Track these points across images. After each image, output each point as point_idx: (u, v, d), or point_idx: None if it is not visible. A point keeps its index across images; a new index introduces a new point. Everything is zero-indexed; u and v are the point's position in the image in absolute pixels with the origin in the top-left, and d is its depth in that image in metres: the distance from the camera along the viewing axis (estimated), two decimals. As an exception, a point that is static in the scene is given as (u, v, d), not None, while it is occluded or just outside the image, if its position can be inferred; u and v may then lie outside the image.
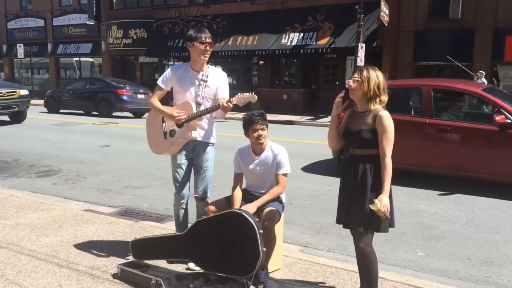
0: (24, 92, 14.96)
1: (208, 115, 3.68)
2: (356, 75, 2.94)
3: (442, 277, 3.85)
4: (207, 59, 3.67)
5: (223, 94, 3.67)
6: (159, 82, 3.80)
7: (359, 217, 2.87)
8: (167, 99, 3.87)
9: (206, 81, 3.66)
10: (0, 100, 13.93)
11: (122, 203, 5.94)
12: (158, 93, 3.79)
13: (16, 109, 14.47)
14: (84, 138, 11.72)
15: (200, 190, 3.78)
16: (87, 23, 25.45)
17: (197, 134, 3.68)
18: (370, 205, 2.74)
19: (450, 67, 17.52)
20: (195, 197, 3.83)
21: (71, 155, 9.33)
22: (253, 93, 3.40)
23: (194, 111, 3.58)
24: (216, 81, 3.70)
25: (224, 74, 3.79)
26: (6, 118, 14.96)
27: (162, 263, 3.71)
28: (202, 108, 3.61)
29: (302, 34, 18.98)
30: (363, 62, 15.06)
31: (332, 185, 6.58)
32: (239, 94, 3.41)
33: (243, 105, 3.49)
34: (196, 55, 3.63)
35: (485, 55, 16.32)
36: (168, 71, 3.81)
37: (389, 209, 2.76)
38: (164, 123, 3.80)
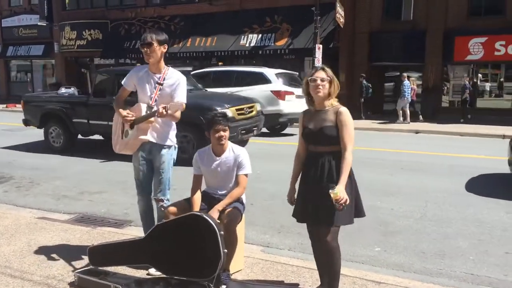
0: (258, 106, 10.09)
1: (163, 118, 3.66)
2: (321, 74, 2.97)
3: (399, 271, 3.97)
4: (151, 60, 3.62)
5: (179, 97, 3.63)
6: (122, 81, 3.83)
7: (328, 212, 2.90)
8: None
9: (161, 84, 3.64)
10: (243, 120, 9.02)
11: (79, 210, 5.78)
12: (121, 92, 3.85)
13: (255, 132, 9.53)
14: (37, 143, 11.29)
15: (157, 192, 3.78)
16: (39, 24, 24.54)
17: (149, 137, 3.66)
18: (330, 191, 2.76)
19: (403, 67, 18.15)
20: (153, 198, 3.85)
21: (23, 162, 8.98)
22: (181, 102, 3.46)
23: (143, 113, 3.56)
24: (171, 84, 3.67)
25: (182, 76, 3.73)
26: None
27: (121, 269, 3.64)
28: (154, 110, 3.59)
29: (260, 35, 19.09)
30: (321, 63, 15.33)
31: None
32: (171, 103, 3.46)
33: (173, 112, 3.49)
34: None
35: (436, 56, 16.99)
36: (131, 71, 3.83)
37: (347, 201, 2.81)
38: (122, 123, 3.79)
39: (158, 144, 3.72)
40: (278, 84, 12.61)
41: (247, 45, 19.19)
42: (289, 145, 9.44)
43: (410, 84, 15.93)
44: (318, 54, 15.62)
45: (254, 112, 9.43)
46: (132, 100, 3.91)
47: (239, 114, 8.88)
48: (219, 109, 8.20)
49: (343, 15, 16.77)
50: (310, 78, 3.01)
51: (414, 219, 5.36)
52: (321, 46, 15.86)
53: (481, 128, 14.08)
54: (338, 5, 16.12)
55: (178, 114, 3.59)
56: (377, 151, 10.12)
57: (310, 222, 3.10)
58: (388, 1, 18.13)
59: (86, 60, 25.06)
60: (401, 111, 15.77)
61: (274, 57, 19.54)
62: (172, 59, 21.61)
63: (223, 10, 20.01)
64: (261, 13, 19.15)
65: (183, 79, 3.72)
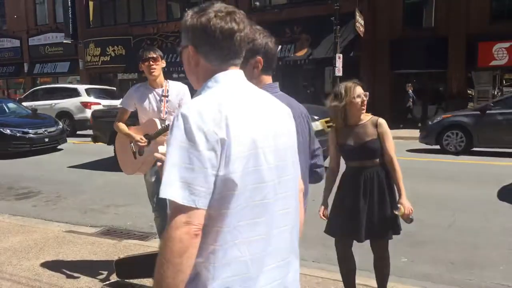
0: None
1: None
2: (361, 90, 2.93)
3: (427, 282, 3.90)
4: (157, 74, 3.70)
5: None
6: (121, 103, 3.92)
7: (388, 225, 2.97)
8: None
9: (167, 96, 3.72)
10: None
11: (105, 223, 5.87)
12: (121, 114, 3.90)
13: None
14: (63, 158, 11.55)
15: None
16: (64, 41, 25.25)
17: (165, 149, 3.68)
18: (395, 211, 2.81)
19: (426, 74, 17.92)
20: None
21: (50, 176, 9.18)
22: None
23: (159, 127, 3.62)
24: (177, 94, 3.75)
25: (185, 86, 3.81)
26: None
27: (147, 282, 3.67)
28: (167, 123, 3.67)
29: (280, 46, 19.12)
30: (341, 72, 15.27)
31: (315, 196, 6.60)
32: None
33: None
34: (146, 73, 3.72)
35: (459, 62, 16.71)
36: (129, 92, 3.90)
37: (412, 210, 2.86)
38: (131, 143, 3.84)
39: None
40: (86, 97, 16.64)
41: (267, 56, 19.30)
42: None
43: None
44: (339, 63, 15.57)
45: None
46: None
47: (328, 127, 8.06)
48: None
49: (362, 24, 16.71)
50: (356, 95, 2.88)
51: (442, 229, 5.25)
52: (341, 55, 15.81)
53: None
54: (357, 14, 16.09)
55: None
56: (401, 160, 9.98)
57: (365, 238, 3.03)
58: (409, 8, 17.99)
59: (110, 75, 25.61)
60: None
61: (294, 68, 19.59)
62: (193, 73, 21.89)
63: (243, 23, 20.20)
64: (280, 25, 19.22)
65: (186, 88, 3.80)
